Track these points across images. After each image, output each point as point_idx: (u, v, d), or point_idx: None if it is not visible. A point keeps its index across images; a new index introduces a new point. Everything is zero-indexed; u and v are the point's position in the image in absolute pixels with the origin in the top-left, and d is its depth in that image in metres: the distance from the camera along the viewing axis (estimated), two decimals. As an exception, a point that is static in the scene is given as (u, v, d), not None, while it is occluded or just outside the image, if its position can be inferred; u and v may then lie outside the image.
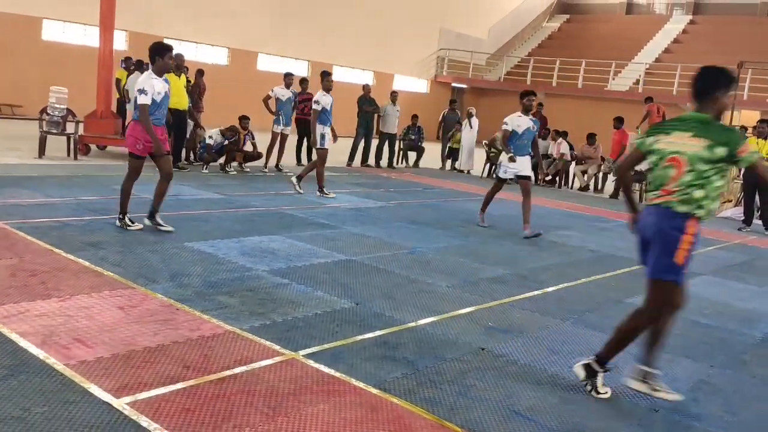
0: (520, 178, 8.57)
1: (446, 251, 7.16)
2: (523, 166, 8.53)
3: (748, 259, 8.71)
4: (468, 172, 16.50)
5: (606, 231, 9.76)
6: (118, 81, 14.04)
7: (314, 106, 10.00)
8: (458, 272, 6.26)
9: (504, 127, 8.54)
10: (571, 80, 27.64)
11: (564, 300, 5.72)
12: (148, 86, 6.39)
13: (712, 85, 3.62)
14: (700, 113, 3.61)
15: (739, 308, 6.08)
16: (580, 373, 3.82)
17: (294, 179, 10.21)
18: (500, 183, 8.87)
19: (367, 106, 14.94)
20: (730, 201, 13.60)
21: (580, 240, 8.71)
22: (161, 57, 6.48)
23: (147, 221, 6.69)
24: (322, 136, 10.01)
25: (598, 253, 7.91)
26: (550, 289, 6.01)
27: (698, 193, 3.49)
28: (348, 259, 6.29)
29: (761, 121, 11.58)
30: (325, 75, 10.21)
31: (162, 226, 6.64)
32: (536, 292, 5.84)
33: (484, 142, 16.50)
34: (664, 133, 3.66)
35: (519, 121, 8.43)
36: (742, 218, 11.47)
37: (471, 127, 16.35)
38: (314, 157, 10.80)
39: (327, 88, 10.05)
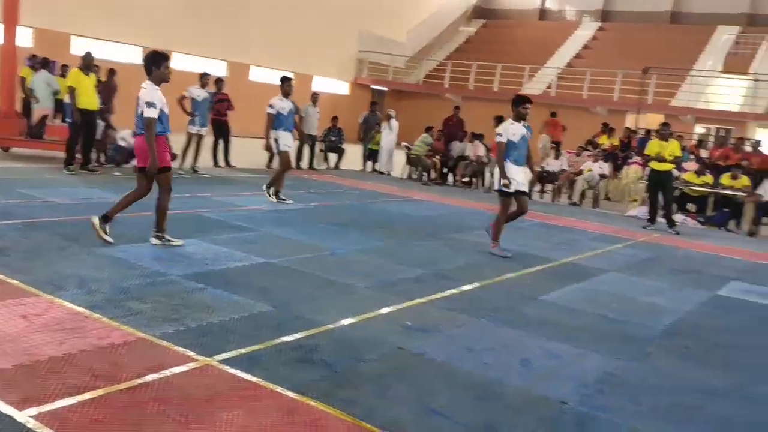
0: (520, 194, 7.69)
1: (366, 252, 7.20)
2: (523, 180, 7.72)
3: (653, 255, 9.15)
4: (388, 173, 16.64)
5: (522, 230, 10.02)
6: (22, 79, 13.39)
7: (268, 110, 9.84)
8: (377, 273, 6.30)
9: (498, 139, 7.65)
10: (487, 83, 28.29)
11: (480, 298, 5.85)
12: (157, 99, 6.16)
13: None
14: None
15: (644, 303, 6.38)
16: None
17: (265, 189, 10.00)
18: (508, 198, 7.69)
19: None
20: (636, 200, 14.26)
21: (496, 239, 8.92)
22: (157, 67, 6.25)
23: (155, 241, 6.41)
24: (276, 141, 9.82)
25: (512, 252, 8.11)
26: (467, 287, 6.13)
27: None
28: (266, 262, 6.22)
29: (663, 124, 12.18)
30: (285, 80, 10.03)
31: (172, 242, 6.43)
32: (453, 291, 5.95)
33: (403, 143, 16.67)
34: None
35: (514, 129, 7.60)
36: (647, 217, 12.04)
37: (391, 129, 16.50)
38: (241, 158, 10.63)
39: (286, 93, 9.88)
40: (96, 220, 6.21)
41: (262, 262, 6.22)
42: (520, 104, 7.71)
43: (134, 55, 21.92)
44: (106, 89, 12.78)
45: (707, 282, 7.67)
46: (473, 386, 3.89)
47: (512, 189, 7.58)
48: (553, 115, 18.06)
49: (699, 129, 25.07)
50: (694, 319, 6.02)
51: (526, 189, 7.82)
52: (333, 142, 16.62)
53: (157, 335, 4.09)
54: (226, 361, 3.80)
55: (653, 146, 11.76)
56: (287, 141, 9.93)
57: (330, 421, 3.24)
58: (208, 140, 13.08)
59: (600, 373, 4.34)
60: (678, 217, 12.58)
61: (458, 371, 4.10)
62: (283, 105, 9.81)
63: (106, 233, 6.21)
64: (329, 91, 27.66)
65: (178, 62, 23.02)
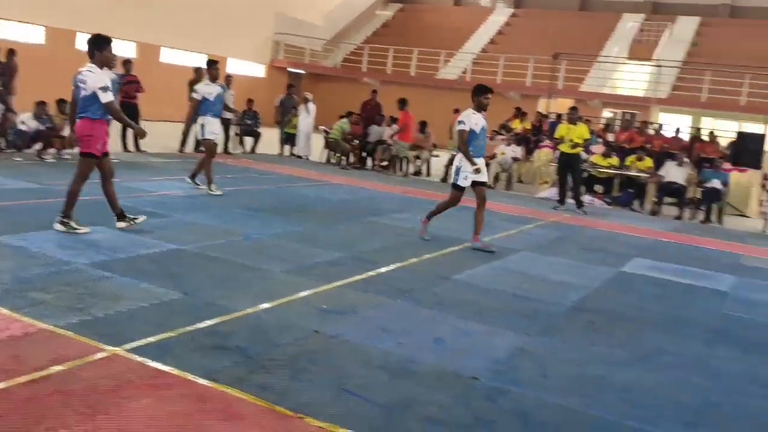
0: (477, 184, 7.53)
1: (282, 237, 7.13)
2: (483, 170, 7.60)
3: (562, 235, 9.48)
4: (306, 157, 16.50)
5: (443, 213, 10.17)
6: None
7: (193, 95, 9.49)
8: (294, 257, 6.26)
9: (460, 126, 7.47)
10: (404, 68, 28.44)
11: (397, 279, 5.90)
12: (108, 82, 6.14)
13: None
14: None
15: (553, 280, 6.61)
16: None
17: (188, 180, 9.64)
18: (459, 192, 7.65)
19: (199, 90, 14.44)
20: (547, 183, 14.72)
21: (413, 221, 9.00)
22: (100, 50, 6.15)
23: (60, 227, 6.12)
24: (202, 127, 9.46)
25: (431, 234, 8.22)
26: (384, 269, 6.18)
27: None
28: (178, 249, 6.06)
29: (571, 108, 12.60)
30: (211, 64, 9.63)
31: (77, 229, 6.17)
32: (370, 273, 5.97)
33: (321, 127, 16.56)
34: None
35: (476, 119, 7.45)
36: (557, 198, 12.45)
37: (308, 113, 16.36)
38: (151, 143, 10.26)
39: (213, 77, 9.49)
40: (60, 227, 6.11)
41: (173, 248, 6.05)
42: (481, 94, 7.53)
43: (36, 35, 20.79)
44: (6, 70, 12.07)
45: (612, 259, 8.01)
46: (388, 366, 3.93)
47: (468, 181, 7.47)
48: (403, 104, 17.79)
49: (606, 113, 26.06)
50: (600, 294, 6.28)
51: (485, 179, 7.66)
52: (249, 125, 16.32)
53: (60, 326, 3.91)
54: (134, 350, 3.69)
55: (562, 130, 12.15)
56: (214, 128, 9.56)
57: (243, 407, 3.20)
58: (117, 123, 12.57)
59: (511, 349, 4.47)
60: (586, 198, 13.09)
61: (374, 352, 4.13)
62: (210, 90, 9.42)
63: (78, 226, 6.15)
64: (245, 73, 27.09)
65: (82, 43, 22.03)
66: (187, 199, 8.75)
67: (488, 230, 8.96)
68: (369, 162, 16.20)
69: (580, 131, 11.99)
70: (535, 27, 30.26)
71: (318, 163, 15.80)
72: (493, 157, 14.99)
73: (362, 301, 5.14)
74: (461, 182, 7.53)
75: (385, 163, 15.81)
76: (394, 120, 16.02)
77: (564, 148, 12.01)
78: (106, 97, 6.10)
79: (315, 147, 16.69)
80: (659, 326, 5.45)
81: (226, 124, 15.13)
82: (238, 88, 15.85)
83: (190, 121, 9.53)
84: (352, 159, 15.95)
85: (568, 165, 12.11)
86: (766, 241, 11.24)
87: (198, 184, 9.59)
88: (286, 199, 9.93)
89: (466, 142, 7.42)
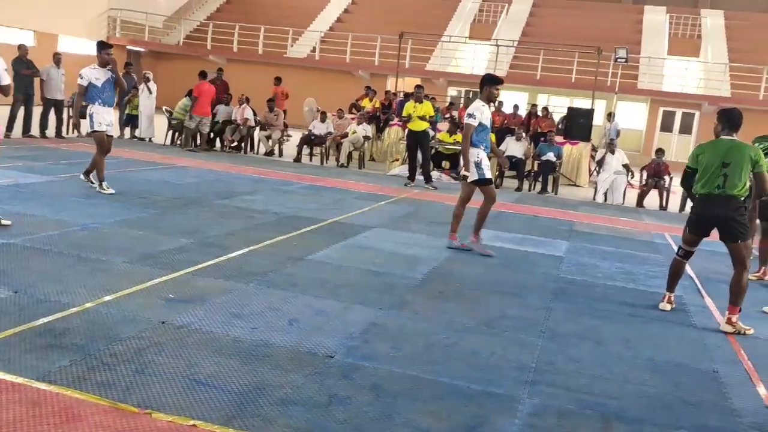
0: (485, 182, 7.22)
1: (124, 225, 6.75)
2: (488, 164, 7.20)
3: (413, 210, 9.74)
4: (149, 140, 15.71)
5: (290, 193, 10.10)
6: None
7: (78, 81, 8.45)
8: (137, 246, 5.94)
9: (469, 120, 6.93)
10: (251, 46, 27.79)
11: (248, 263, 5.79)
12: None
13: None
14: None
15: (404, 254, 6.78)
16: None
17: (82, 177, 8.69)
18: (490, 186, 7.25)
19: (24, 69, 13.28)
20: (398, 160, 15.04)
21: (265, 203, 8.88)
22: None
23: None
24: (90, 117, 8.50)
25: (282, 215, 8.14)
26: (235, 254, 6.03)
27: None
28: (4, 243, 5.56)
29: (417, 86, 12.91)
30: (103, 46, 8.55)
31: None
32: (220, 259, 5.81)
33: (164, 108, 15.82)
34: None
35: (485, 111, 7.04)
36: (407, 175, 12.76)
37: (150, 93, 15.56)
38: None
39: (103, 62, 8.44)
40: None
41: (-1, 243, 5.55)
42: (491, 84, 7.00)
43: None
44: None
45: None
46: (240, 352, 3.85)
47: (476, 177, 7.05)
48: (278, 81, 17.49)
49: (452, 91, 27.00)
50: (448, 266, 6.53)
51: (489, 176, 7.26)
52: (84, 107, 15.20)
53: None
54: (-47, 358, 3.35)
55: (409, 108, 12.43)
56: (104, 118, 8.57)
57: (83, 408, 3.01)
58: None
59: (364, 325, 4.53)
60: (434, 174, 13.51)
61: (225, 339, 4.02)
62: (98, 75, 8.47)
63: None
64: (78, 52, 25.23)
65: None
66: (14, 189, 8.04)
67: (342, 209, 9.04)
68: (218, 143, 15.72)
69: (426, 109, 12.34)
70: (381, 6, 30.60)
71: (162, 146, 15.09)
72: (345, 136, 15.07)
73: (212, 288, 4.99)
74: (487, 174, 7.10)
75: (234, 144, 15.41)
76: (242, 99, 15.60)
77: (412, 126, 12.31)
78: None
79: (158, 128, 15.93)
80: (503, 292, 5.76)
81: (58, 106, 14.09)
82: (72, 68, 14.70)
83: (77, 109, 8.63)
84: (199, 140, 15.38)
85: (417, 142, 12.44)
86: (595, 209, 12.20)
87: (93, 183, 8.73)
88: (127, 184, 9.39)
89: (472, 136, 6.93)
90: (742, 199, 5.27)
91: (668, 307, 5.68)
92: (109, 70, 8.53)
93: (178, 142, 15.36)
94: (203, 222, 7.33)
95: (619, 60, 17.48)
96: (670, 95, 24.73)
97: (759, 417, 3.72)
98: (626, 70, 22.70)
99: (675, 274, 5.73)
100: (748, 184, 5.29)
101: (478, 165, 7.04)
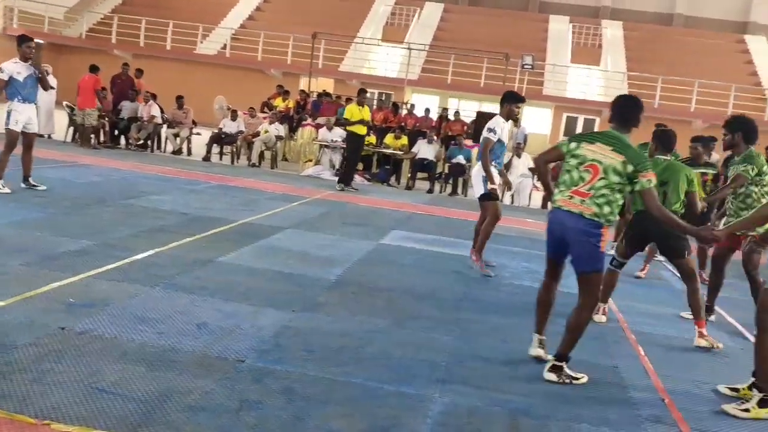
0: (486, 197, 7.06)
1: (21, 225, 6.39)
2: (500, 183, 7.07)
3: (326, 211, 9.71)
4: (48, 136, 14.93)
5: (198, 193, 9.85)
6: None
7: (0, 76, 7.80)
8: (34, 248, 5.64)
9: (489, 135, 6.61)
10: (159, 41, 26.94)
11: (154, 265, 5.60)
12: None
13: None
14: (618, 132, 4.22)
15: (317, 255, 6.74)
16: (552, 377, 4.10)
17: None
18: (494, 202, 6.95)
19: None
20: (311, 160, 14.96)
21: (172, 204, 8.62)
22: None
23: None
24: (9, 113, 7.90)
25: (190, 216, 7.93)
26: (140, 256, 5.82)
27: (606, 208, 4.04)
28: None
29: (361, 90, 12.92)
30: (23, 40, 7.99)
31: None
32: (125, 261, 5.59)
33: (65, 103, 15.09)
34: (587, 141, 4.20)
35: (506, 128, 6.89)
36: (337, 178, 12.74)
37: (52, 87, 14.78)
38: None
39: (24, 56, 7.88)
40: None
41: None
42: (513, 102, 6.72)
43: None
44: None
45: (372, 233, 8.38)
46: (146, 357, 3.72)
47: (483, 191, 6.86)
48: (139, 73, 16.59)
49: (367, 94, 27.07)
50: (362, 266, 6.55)
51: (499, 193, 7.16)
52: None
53: None
54: None
55: (353, 111, 12.33)
56: (22, 116, 8.02)
57: (-27, 421, 2.82)
58: None
59: (276, 327, 4.47)
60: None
61: (129, 344, 3.88)
62: (20, 69, 7.94)
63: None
64: (-31, 42, 23.71)
65: None
66: None
67: (253, 209, 8.90)
68: (123, 140, 15.14)
69: (366, 113, 12.43)
70: (294, 5, 30.35)
71: (63, 143, 14.39)
72: (257, 135, 14.85)
73: (116, 291, 4.80)
74: (487, 191, 6.80)
75: (141, 142, 14.88)
76: (148, 96, 15.10)
77: (357, 129, 12.29)
78: None
79: (59, 125, 15.16)
80: (415, 293, 5.83)
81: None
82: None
83: None
84: (102, 137, 14.76)
85: (358, 145, 12.48)
86: (503, 210, 12.52)
87: (35, 185, 8.18)
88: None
89: (491, 152, 6.65)
90: (679, 216, 5.32)
91: (603, 319, 5.62)
92: (31, 65, 8.12)
93: (80, 139, 14.67)
94: (106, 223, 7.04)
95: (525, 66, 18.09)
96: (573, 101, 25.76)
97: (656, 409, 3.92)
98: (532, 77, 23.51)
99: (609, 284, 5.61)
100: (682, 201, 5.44)
101: (484, 180, 6.80)
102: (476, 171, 7.00)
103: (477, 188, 7.03)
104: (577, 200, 4.07)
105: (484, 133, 6.71)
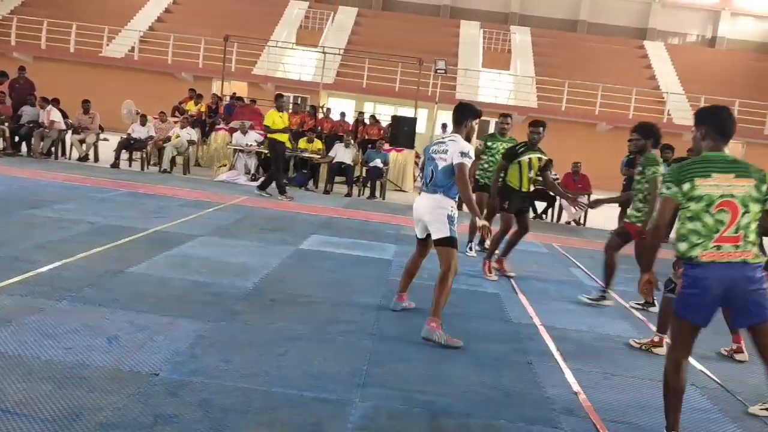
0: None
1: None
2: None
3: (242, 217, 9.54)
4: (-60, 144, 14.02)
5: (107, 201, 9.47)
6: None
7: None
8: (-74, 263, 5.28)
9: (464, 160, 4.97)
10: (62, 44, 25.80)
11: (60, 278, 5.34)
12: None
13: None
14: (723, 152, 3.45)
15: (233, 263, 6.61)
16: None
17: None
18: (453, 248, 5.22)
19: None
20: (225, 165, 14.68)
21: (79, 213, 8.25)
22: None
23: None
24: None
25: (98, 225, 7.61)
26: (45, 268, 5.54)
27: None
28: None
29: (278, 95, 12.64)
30: None
31: None
32: (28, 274, 5.31)
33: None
34: (701, 175, 3.35)
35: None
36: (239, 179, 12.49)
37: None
38: None
39: None
40: None
41: None
42: (474, 118, 5.30)
43: None
44: None
45: (291, 238, 8.30)
46: (53, 375, 3.54)
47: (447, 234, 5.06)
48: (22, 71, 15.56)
49: (280, 97, 26.80)
50: (280, 273, 6.47)
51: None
52: None
53: None
54: None
55: (274, 117, 12.07)
56: None
57: None
58: None
59: (191, 338, 4.35)
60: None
61: (35, 362, 3.68)
62: None
63: None
64: None
65: None
66: None
67: (165, 217, 8.64)
68: (24, 147, 14.37)
69: (286, 119, 12.23)
70: (204, 7, 29.74)
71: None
72: (167, 140, 14.44)
73: (18, 307, 4.55)
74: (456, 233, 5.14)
75: (43, 152, 14.16)
76: (46, 100, 14.35)
77: (280, 137, 12.06)
78: None
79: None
80: (334, 298, 5.80)
81: None
82: None
83: None
84: (2, 144, 13.97)
85: (282, 151, 12.27)
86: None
87: None
88: None
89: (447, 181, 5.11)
90: None
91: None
92: None
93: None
94: (8, 234, 6.66)
95: (438, 71, 18.33)
96: (484, 105, 26.32)
97: (568, 402, 4.06)
98: (445, 81, 23.91)
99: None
100: None
101: (451, 220, 5.09)
102: (435, 205, 5.12)
103: (439, 227, 5.08)
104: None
105: (461, 159, 4.99)
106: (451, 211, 5.10)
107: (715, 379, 4.80)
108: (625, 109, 25.10)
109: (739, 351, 5.34)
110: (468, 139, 5.25)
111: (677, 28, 33.51)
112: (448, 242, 5.02)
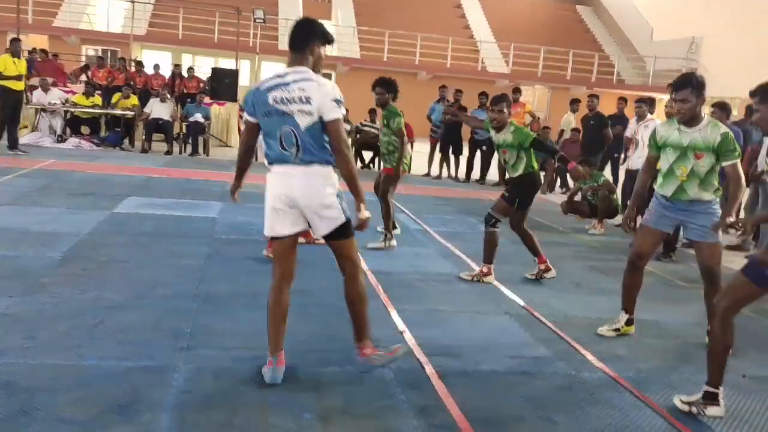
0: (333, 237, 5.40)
1: None
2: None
3: (47, 183, 8.76)
4: None
5: None
6: None
7: None
8: None
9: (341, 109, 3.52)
10: None
11: None
12: None
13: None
14: None
15: (39, 232, 6.07)
16: (717, 411, 3.49)
17: None
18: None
19: None
20: (27, 126, 13.37)
21: None
22: None
23: None
24: None
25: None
26: None
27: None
28: None
29: (14, 39, 11.34)
30: None
31: None
32: None
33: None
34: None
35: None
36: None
37: None
38: None
39: None
40: None
41: None
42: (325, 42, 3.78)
43: None
44: None
45: (105, 202, 7.77)
46: None
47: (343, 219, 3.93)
48: None
49: (91, 51, 24.73)
50: (92, 239, 6.04)
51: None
52: None
53: None
54: None
55: (7, 63, 10.92)
56: None
57: None
58: None
59: (-10, 317, 3.95)
60: (72, 141, 12.36)
61: None
62: None
63: None
64: None
65: None
66: None
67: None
68: None
69: (22, 66, 11.15)
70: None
71: None
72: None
73: None
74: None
75: None
76: None
77: (14, 85, 10.93)
78: None
79: None
80: (155, 261, 5.53)
81: None
82: None
83: None
84: None
85: (16, 102, 11.14)
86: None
87: None
88: None
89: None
90: None
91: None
92: None
93: None
94: None
95: (257, 20, 17.79)
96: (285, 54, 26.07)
97: (394, 342, 4.18)
98: (266, 31, 23.30)
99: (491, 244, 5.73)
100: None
101: (340, 196, 3.50)
102: (316, 183, 3.43)
103: (330, 213, 3.46)
104: None
105: (335, 111, 3.34)
106: (336, 184, 3.47)
107: (524, 304, 5.19)
108: (443, 59, 25.98)
109: (547, 269, 5.84)
110: (316, 70, 3.43)
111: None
112: (346, 230, 3.49)
